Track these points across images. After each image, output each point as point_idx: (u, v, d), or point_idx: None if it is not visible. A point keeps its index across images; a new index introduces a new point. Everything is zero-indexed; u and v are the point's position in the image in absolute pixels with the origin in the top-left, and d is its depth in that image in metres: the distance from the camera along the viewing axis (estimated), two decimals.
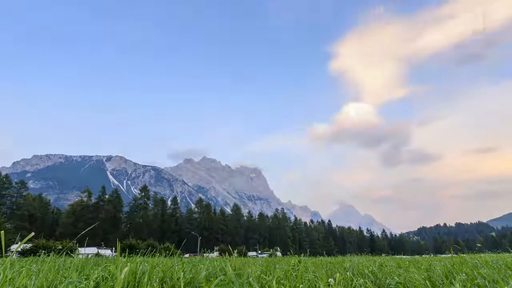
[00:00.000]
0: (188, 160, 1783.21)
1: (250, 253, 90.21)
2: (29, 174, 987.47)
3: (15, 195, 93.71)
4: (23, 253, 34.59)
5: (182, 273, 4.37)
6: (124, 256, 5.52)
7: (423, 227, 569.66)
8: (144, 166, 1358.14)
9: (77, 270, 5.08)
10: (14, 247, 44.21)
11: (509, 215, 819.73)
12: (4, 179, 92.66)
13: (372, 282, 5.21)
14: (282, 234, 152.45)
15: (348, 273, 5.59)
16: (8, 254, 34.41)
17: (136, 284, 3.75)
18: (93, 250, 54.76)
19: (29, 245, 35.99)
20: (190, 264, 7.99)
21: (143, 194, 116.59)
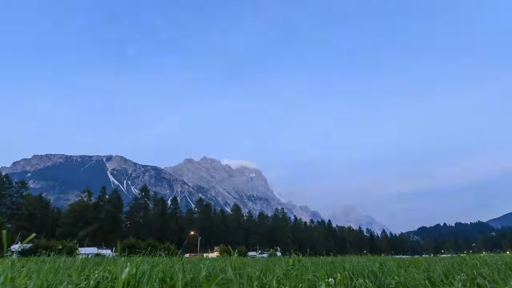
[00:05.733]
0: (188, 160, 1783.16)
1: (250, 253, 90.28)
2: (29, 174, 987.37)
3: (15, 195, 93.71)
4: (23, 253, 34.64)
5: (182, 273, 4.38)
6: (124, 256, 5.53)
7: (423, 227, 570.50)
8: (144, 166, 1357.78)
9: (77, 270, 5.09)
10: (14, 247, 44.23)
11: (509, 215, 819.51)
12: (4, 179, 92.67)
13: (372, 282, 5.21)
14: (282, 234, 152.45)
15: (348, 273, 5.60)
16: (8, 254, 34.42)
17: (136, 284, 3.76)
18: (93, 250, 54.83)
19: (29, 245, 36.06)
20: (190, 264, 7.99)
21: (143, 194, 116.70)
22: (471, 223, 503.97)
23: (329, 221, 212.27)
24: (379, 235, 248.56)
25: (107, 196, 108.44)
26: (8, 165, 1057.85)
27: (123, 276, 2.45)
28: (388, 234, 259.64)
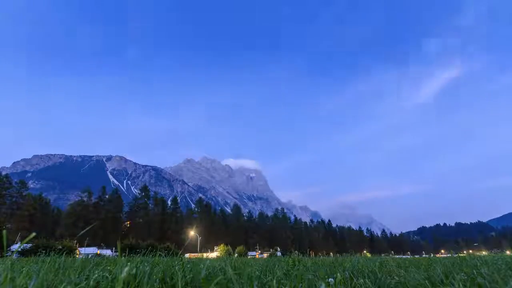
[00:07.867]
0: (188, 160, 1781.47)
1: (250, 253, 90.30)
2: (29, 174, 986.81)
3: (15, 195, 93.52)
4: (23, 253, 34.63)
5: (182, 273, 4.38)
6: (125, 256, 5.53)
7: (423, 227, 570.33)
8: (144, 166, 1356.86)
9: (77, 270, 5.08)
10: (14, 247, 44.24)
11: (509, 215, 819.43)
12: (4, 179, 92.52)
13: (372, 282, 5.21)
14: (282, 234, 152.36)
15: (348, 272, 5.59)
16: (8, 254, 34.43)
17: (137, 284, 3.75)
18: (93, 250, 54.83)
19: (29, 245, 36.06)
20: (190, 264, 7.99)
21: (143, 194, 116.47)
22: (471, 223, 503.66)
23: (329, 221, 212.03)
24: (379, 235, 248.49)
25: (107, 196, 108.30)
26: (8, 165, 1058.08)
27: (122, 275, 2.44)
28: (388, 234, 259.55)
